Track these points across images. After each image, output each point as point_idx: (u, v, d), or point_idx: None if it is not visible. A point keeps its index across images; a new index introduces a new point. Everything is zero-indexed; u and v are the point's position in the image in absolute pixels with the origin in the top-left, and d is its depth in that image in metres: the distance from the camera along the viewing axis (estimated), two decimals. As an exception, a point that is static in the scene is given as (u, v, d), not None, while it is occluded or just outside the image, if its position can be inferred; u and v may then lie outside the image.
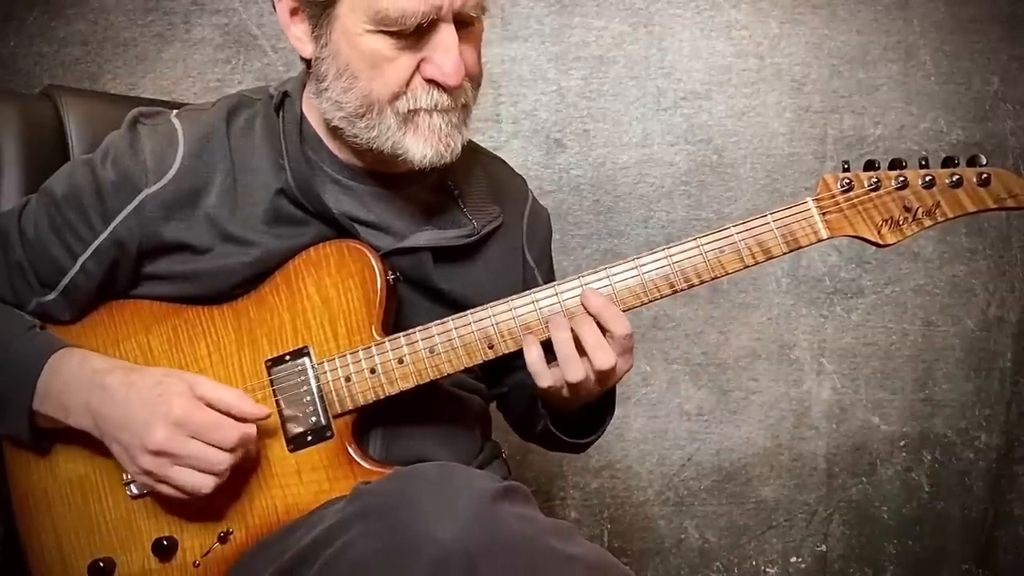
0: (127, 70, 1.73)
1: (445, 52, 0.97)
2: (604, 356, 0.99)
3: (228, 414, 0.97)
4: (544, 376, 1.01)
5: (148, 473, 0.95)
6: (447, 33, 0.97)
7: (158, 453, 0.94)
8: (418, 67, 0.99)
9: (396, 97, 1.00)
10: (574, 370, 0.99)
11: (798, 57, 1.82)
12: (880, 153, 1.84)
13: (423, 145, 1.01)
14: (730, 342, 1.88)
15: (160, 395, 0.95)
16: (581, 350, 1.00)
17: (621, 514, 1.91)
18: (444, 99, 1.00)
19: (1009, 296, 1.88)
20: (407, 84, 0.99)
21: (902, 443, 1.92)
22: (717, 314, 1.86)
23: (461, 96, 1.02)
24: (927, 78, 1.84)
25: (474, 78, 1.04)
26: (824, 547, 1.93)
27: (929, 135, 1.84)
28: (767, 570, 1.93)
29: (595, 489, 1.91)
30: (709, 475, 1.91)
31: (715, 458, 1.91)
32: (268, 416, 1.00)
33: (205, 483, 0.95)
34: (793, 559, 1.93)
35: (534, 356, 1.01)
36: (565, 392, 1.03)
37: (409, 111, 1.00)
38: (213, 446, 0.95)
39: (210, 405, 0.96)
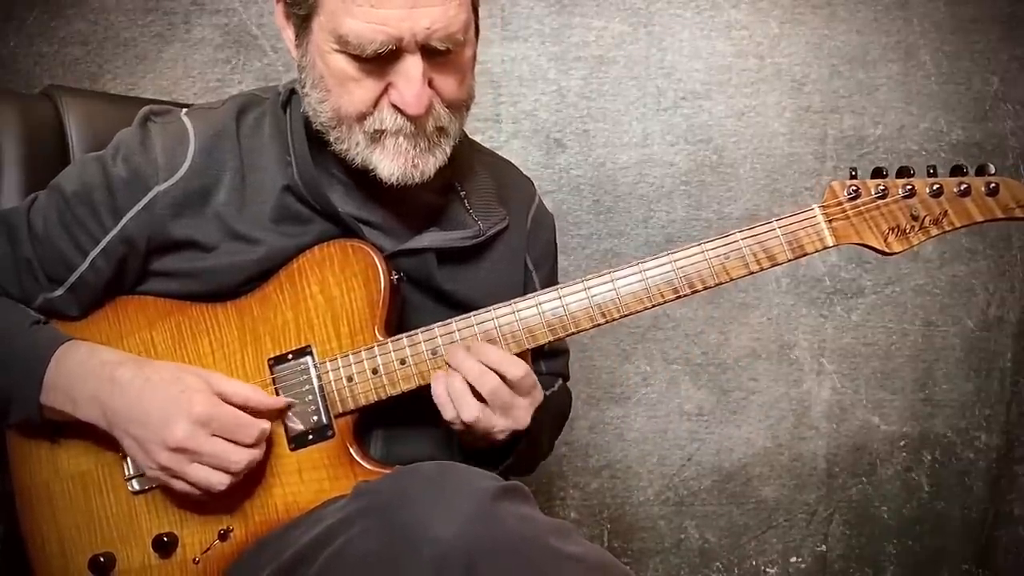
0: (127, 70, 1.73)
1: (407, 83, 0.97)
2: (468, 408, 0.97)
3: (245, 407, 0.97)
4: (448, 409, 1.00)
5: (164, 469, 0.96)
6: (410, 63, 0.97)
7: (177, 450, 0.94)
8: (386, 89, 0.99)
9: (363, 116, 1.00)
10: (467, 409, 0.98)
11: (798, 57, 1.82)
12: (880, 153, 1.84)
13: (390, 164, 1.02)
14: (730, 342, 1.88)
15: (182, 391, 0.96)
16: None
17: (621, 514, 1.91)
18: (409, 125, 1.00)
19: (1009, 296, 1.88)
20: (374, 105, 1.00)
21: (902, 443, 1.92)
22: (717, 314, 1.86)
23: (430, 122, 1.01)
24: (927, 78, 1.84)
25: (454, 103, 1.03)
26: (824, 547, 1.93)
27: (929, 135, 1.84)
28: (767, 570, 1.93)
29: (595, 489, 1.91)
30: (709, 475, 1.91)
31: (715, 458, 1.91)
32: (286, 406, 1.01)
33: (221, 480, 0.96)
34: (793, 559, 1.93)
35: (440, 391, 1.00)
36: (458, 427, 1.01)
37: (376, 131, 1.01)
38: (233, 443, 0.96)
39: (227, 400, 0.97)
